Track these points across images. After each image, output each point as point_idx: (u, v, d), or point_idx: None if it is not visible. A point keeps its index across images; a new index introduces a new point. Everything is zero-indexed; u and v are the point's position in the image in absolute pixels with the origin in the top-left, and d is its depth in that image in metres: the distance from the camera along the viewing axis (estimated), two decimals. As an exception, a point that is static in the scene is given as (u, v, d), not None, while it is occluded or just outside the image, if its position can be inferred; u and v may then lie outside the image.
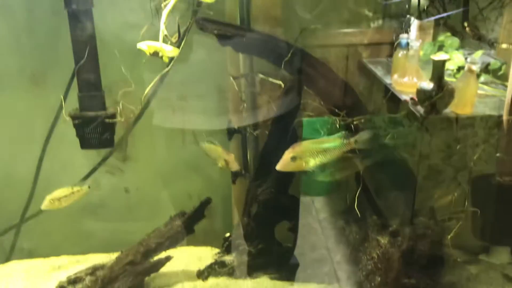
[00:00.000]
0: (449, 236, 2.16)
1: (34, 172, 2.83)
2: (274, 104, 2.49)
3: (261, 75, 2.48)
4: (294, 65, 2.35)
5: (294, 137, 2.47)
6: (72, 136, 2.52)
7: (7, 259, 2.95)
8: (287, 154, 2.07)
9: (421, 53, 2.52)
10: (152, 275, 2.57)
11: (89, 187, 2.52)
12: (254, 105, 2.61)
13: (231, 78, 2.48)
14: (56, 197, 2.42)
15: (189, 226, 2.55)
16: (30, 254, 2.98)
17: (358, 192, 2.32)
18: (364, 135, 2.19)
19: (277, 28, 2.49)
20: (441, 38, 2.57)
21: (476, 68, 2.06)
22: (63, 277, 2.51)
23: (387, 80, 2.40)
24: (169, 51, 2.08)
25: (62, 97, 2.55)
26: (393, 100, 2.32)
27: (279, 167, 2.08)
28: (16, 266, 2.85)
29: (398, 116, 2.31)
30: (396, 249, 2.17)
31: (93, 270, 2.50)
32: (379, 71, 2.55)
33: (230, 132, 2.69)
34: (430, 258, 2.12)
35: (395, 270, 2.12)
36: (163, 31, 2.06)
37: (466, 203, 2.17)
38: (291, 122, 2.44)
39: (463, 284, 2.45)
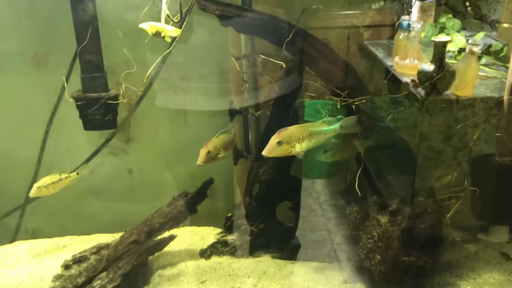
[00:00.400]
0: (448, 215, 2.19)
1: (38, 153, 2.85)
2: (275, 85, 2.49)
3: (262, 56, 2.49)
4: (295, 46, 2.35)
5: (296, 118, 2.49)
6: (75, 118, 2.53)
7: (13, 239, 2.98)
8: (273, 139, 2.09)
9: (422, 35, 2.51)
10: (156, 254, 2.61)
11: (77, 173, 2.54)
12: (256, 86, 2.62)
13: (233, 59, 2.48)
14: (44, 184, 2.45)
15: (192, 205, 2.57)
16: (35, 235, 3.02)
17: (358, 172, 2.35)
18: (349, 121, 2.21)
19: (279, 9, 2.48)
20: (442, 19, 2.56)
21: (477, 49, 2.05)
22: (68, 256, 2.55)
23: (388, 62, 2.39)
24: (171, 31, 2.08)
25: (64, 78, 2.56)
26: (394, 82, 2.32)
27: (265, 152, 2.10)
28: (21, 246, 2.89)
29: (399, 96, 2.32)
30: (396, 228, 2.20)
31: (98, 249, 2.53)
32: (380, 53, 2.54)
33: (232, 113, 2.71)
34: (429, 236, 2.15)
35: (394, 248, 2.15)
36: (164, 11, 2.06)
37: (466, 183, 2.19)
38: (293, 102, 2.45)
39: (461, 262, 2.49)
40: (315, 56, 2.42)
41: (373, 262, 2.24)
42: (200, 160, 2.29)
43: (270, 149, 2.09)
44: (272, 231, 2.66)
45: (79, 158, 2.81)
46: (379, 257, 2.21)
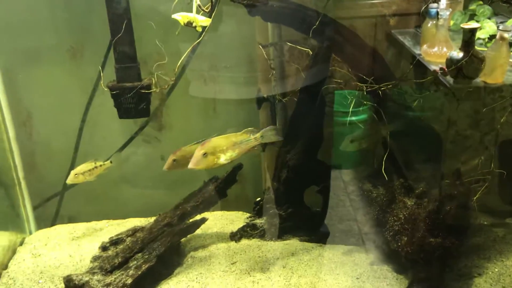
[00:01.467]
0: (474, 198, 2.21)
1: (75, 141, 2.97)
2: (302, 72, 2.54)
3: (289, 43, 2.53)
4: (322, 33, 2.39)
5: (322, 104, 2.53)
6: (110, 107, 2.63)
7: (52, 224, 3.13)
8: (198, 151, 2.14)
9: (452, 22, 2.49)
10: (189, 236, 2.72)
11: (111, 162, 2.65)
12: (283, 73, 2.67)
13: (260, 46, 2.54)
14: (80, 171, 2.57)
15: (222, 190, 2.65)
16: (73, 219, 3.15)
17: (385, 156, 2.38)
18: (269, 131, 2.26)
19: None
20: (472, 6, 2.53)
21: (508, 35, 2.02)
22: (105, 239, 2.67)
23: (416, 51, 2.39)
24: (202, 20, 2.15)
25: (100, 68, 2.66)
26: (422, 71, 2.33)
27: (191, 165, 2.14)
28: (61, 229, 3.04)
29: (425, 81, 2.34)
30: (422, 210, 2.23)
31: (134, 232, 2.64)
32: (408, 42, 2.53)
33: (260, 101, 2.77)
34: (455, 218, 2.17)
35: (421, 230, 2.18)
36: (196, 1, 2.13)
37: (492, 166, 2.20)
38: (319, 89, 2.50)
39: (489, 245, 2.51)
40: (342, 43, 2.45)
41: (399, 244, 2.28)
42: (165, 166, 2.33)
43: (196, 162, 2.13)
44: (300, 215, 2.73)
45: (115, 145, 2.92)
46: (405, 239, 2.25)
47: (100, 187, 2.94)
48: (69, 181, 2.60)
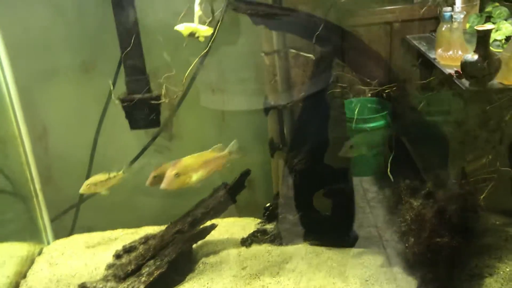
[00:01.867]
0: (481, 197, 2.20)
1: (90, 154, 3.05)
2: (306, 78, 2.58)
3: (292, 50, 2.58)
4: (326, 39, 2.42)
5: (326, 109, 2.57)
6: (122, 119, 2.69)
7: (69, 234, 3.21)
8: (170, 172, 2.17)
9: (467, 25, 2.47)
10: (200, 243, 2.76)
11: (123, 173, 2.71)
12: (288, 80, 2.71)
13: (262, 54, 2.59)
14: (93, 182, 2.63)
15: (231, 196, 2.68)
16: (89, 229, 3.22)
17: (390, 158, 2.40)
18: (234, 146, 2.35)
19: (309, 6, 2.56)
20: (488, 8, 2.50)
21: None
22: (119, 247, 2.70)
23: (432, 55, 2.37)
24: (203, 30, 2.22)
25: (110, 81, 2.75)
26: (437, 74, 2.33)
27: (164, 185, 2.18)
28: (77, 239, 3.12)
29: (433, 84, 2.35)
30: (428, 210, 2.22)
31: (146, 239, 2.68)
32: (423, 47, 2.52)
33: (267, 109, 2.82)
34: (462, 218, 2.16)
35: (427, 230, 2.18)
36: (197, 12, 2.20)
37: (498, 165, 2.20)
38: (323, 93, 2.53)
39: (501, 244, 2.48)
40: (345, 48, 2.49)
41: (407, 245, 2.28)
42: (147, 182, 2.41)
43: (169, 182, 2.18)
44: (310, 219, 2.74)
45: (128, 156, 2.99)
46: (412, 240, 2.25)
47: (115, 198, 3.00)
48: (82, 191, 2.66)
